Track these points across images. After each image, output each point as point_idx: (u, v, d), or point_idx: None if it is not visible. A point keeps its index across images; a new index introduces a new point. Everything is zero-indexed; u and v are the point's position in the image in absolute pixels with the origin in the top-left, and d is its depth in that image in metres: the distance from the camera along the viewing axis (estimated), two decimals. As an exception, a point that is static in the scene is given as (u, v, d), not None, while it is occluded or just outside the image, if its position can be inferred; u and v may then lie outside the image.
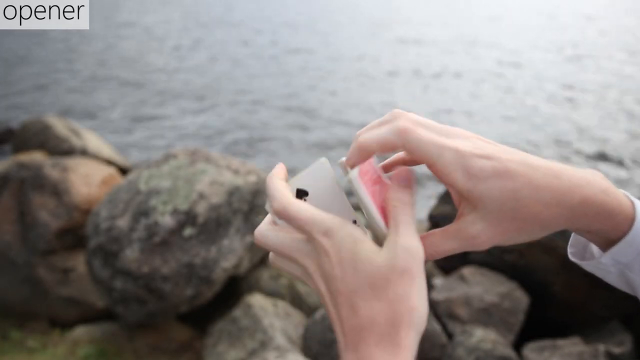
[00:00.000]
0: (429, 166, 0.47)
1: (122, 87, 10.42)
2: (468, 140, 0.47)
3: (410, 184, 0.48)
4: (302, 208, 0.46)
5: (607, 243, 0.49)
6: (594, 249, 0.52)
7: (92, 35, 15.21)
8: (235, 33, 17.08)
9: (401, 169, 0.49)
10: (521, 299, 2.84)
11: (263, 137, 7.95)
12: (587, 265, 0.52)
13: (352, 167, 0.48)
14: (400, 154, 0.53)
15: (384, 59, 13.28)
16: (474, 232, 0.46)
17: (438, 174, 0.47)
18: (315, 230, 0.45)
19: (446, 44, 15.19)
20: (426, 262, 0.46)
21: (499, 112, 9.11)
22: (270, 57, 13.50)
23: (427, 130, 0.47)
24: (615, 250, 0.48)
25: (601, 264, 0.50)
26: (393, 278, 0.43)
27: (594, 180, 0.46)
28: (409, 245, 0.44)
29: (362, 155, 0.47)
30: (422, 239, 0.47)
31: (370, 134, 0.47)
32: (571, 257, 0.55)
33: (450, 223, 0.49)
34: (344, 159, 0.49)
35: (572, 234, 0.54)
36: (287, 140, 7.76)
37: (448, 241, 0.48)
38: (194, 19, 20.10)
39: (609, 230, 0.47)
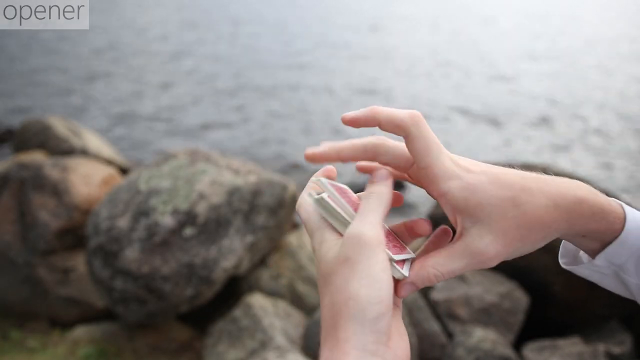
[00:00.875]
0: (424, 168, 0.46)
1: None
2: (454, 156, 0.47)
3: (387, 178, 0.47)
4: (306, 208, 0.48)
5: (600, 246, 0.49)
6: (584, 257, 0.52)
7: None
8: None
9: (380, 169, 0.49)
10: (521, 299, 2.84)
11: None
12: (582, 270, 0.52)
13: (350, 123, 0.48)
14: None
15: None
16: (482, 246, 0.45)
17: (432, 178, 0.46)
18: (308, 230, 0.48)
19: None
20: (431, 287, 0.46)
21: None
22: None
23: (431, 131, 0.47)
24: (609, 251, 0.48)
25: (595, 266, 0.50)
26: (335, 269, 0.42)
27: (581, 184, 0.46)
28: (355, 232, 0.43)
29: (367, 117, 0.47)
30: (424, 260, 0.46)
31: (386, 108, 0.47)
32: (563, 264, 0.55)
33: (451, 223, 0.49)
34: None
35: (561, 244, 0.54)
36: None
37: (455, 261, 0.45)
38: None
39: (603, 231, 0.47)
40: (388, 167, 0.50)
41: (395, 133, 0.47)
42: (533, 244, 0.46)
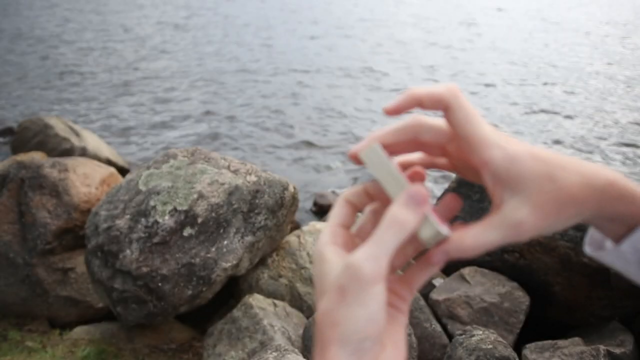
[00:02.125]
0: (465, 138, 0.46)
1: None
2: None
3: (421, 205, 0.44)
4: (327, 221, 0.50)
5: (627, 231, 0.49)
6: (610, 246, 0.52)
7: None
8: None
9: (418, 187, 0.46)
10: (522, 299, 2.83)
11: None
12: (606, 256, 0.52)
13: (394, 112, 0.47)
14: (419, 155, 0.52)
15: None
16: (519, 217, 0.44)
17: (474, 146, 0.46)
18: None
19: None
20: (470, 259, 0.46)
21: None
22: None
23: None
24: (635, 237, 0.47)
25: (620, 252, 0.49)
26: (328, 295, 0.43)
27: (611, 169, 0.47)
28: (352, 262, 0.42)
29: (408, 100, 0.47)
30: (461, 233, 0.46)
31: (422, 87, 0.47)
32: (589, 251, 0.54)
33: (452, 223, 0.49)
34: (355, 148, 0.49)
35: (588, 232, 0.54)
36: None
37: (492, 232, 0.45)
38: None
39: (631, 215, 0.47)
40: (425, 171, 0.50)
41: (435, 109, 0.47)
42: (567, 220, 0.46)
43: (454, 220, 0.52)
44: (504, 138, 0.46)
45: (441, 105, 0.46)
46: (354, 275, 0.42)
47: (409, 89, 0.47)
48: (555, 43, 15.57)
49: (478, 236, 0.45)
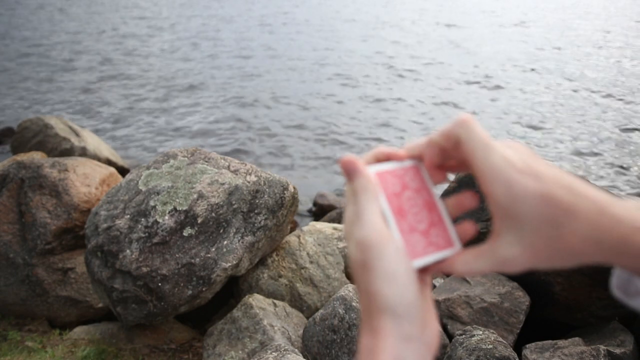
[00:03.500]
0: (473, 167, 0.47)
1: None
2: (518, 153, 0.46)
3: (356, 168, 0.49)
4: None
5: None
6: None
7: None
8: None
9: (344, 158, 0.50)
10: (522, 299, 2.83)
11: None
12: (634, 303, 0.48)
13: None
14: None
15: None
16: (510, 254, 0.45)
17: (480, 179, 0.46)
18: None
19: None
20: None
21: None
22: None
23: (483, 131, 0.47)
24: None
25: None
26: (358, 272, 0.46)
27: (637, 215, 0.42)
28: (360, 238, 0.46)
29: (432, 147, 0.50)
30: (455, 257, 0.49)
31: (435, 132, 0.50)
32: (615, 292, 0.50)
33: (455, 224, 0.50)
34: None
35: (614, 273, 0.50)
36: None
37: (481, 261, 0.48)
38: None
39: None
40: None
41: (451, 145, 0.49)
42: (562, 263, 0.45)
43: (461, 219, 0.53)
44: (521, 167, 0.44)
45: (452, 140, 0.48)
46: (366, 247, 0.45)
47: (428, 137, 0.50)
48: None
49: (469, 264, 0.48)
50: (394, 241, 0.46)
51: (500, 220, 0.46)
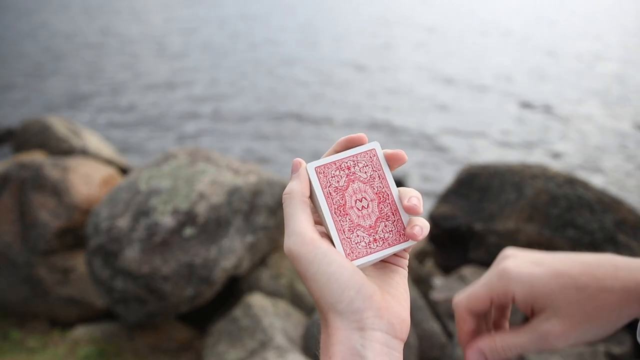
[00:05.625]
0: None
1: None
2: (532, 255, 0.51)
3: (296, 172, 0.49)
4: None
5: None
6: None
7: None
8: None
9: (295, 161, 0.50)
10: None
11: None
12: None
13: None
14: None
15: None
16: (548, 327, 0.47)
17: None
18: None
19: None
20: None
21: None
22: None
23: (517, 260, 0.51)
24: None
25: None
26: (299, 274, 0.47)
27: None
28: (286, 250, 0.47)
29: (474, 304, 0.52)
30: (495, 336, 0.51)
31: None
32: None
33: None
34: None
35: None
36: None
37: (522, 337, 0.49)
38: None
39: None
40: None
41: (503, 302, 0.52)
42: (606, 325, 0.46)
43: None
44: (533, 261, 0.49)
45: (509, 297, 0.50)
46: (295, 258, 0.46)
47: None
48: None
49: (508, 339, 0.49)
50: (320, 247, 0.45)
51: (531, 307, 0.49)
